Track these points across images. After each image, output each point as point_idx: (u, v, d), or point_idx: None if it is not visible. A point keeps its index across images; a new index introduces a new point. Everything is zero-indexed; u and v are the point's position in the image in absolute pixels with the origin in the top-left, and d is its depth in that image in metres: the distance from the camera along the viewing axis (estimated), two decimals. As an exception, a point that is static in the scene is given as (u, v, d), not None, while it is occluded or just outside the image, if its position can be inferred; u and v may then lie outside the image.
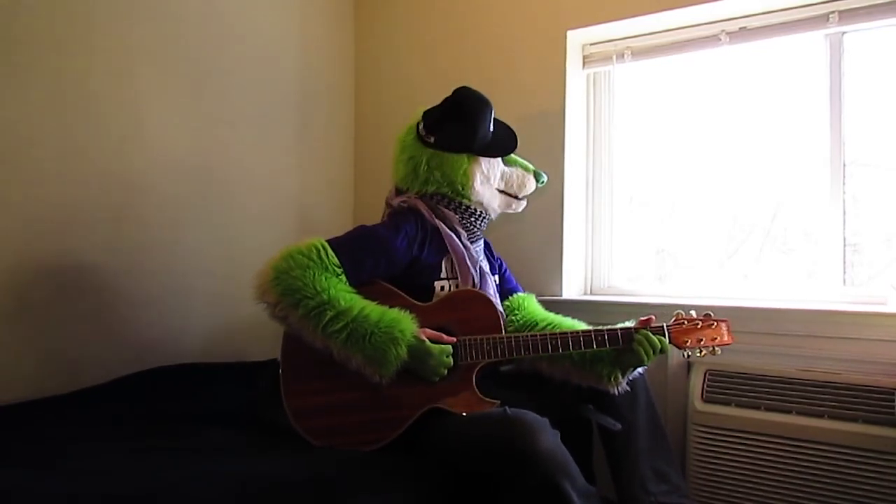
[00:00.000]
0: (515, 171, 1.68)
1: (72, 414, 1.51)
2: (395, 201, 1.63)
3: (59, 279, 1.65)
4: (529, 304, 1.68)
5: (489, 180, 1.62)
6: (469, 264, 1.54)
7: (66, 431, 1.41)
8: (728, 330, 1.47)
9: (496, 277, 1.69)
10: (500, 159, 1.65)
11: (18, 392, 1.53)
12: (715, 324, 1.46)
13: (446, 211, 1.59)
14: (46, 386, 1.57)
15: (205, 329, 1.99)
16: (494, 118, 1.63)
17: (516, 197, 1.69)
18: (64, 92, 1.65)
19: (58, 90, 1.64)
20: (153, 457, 1.26)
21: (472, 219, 1.62)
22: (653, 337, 1.41)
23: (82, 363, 1.67)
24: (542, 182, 1.72)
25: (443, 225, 1.56)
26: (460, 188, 1.58)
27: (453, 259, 1.54)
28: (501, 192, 1.67)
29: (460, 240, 1.57)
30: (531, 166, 1.71)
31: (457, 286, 1.53)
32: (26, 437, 1.35)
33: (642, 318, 1.47)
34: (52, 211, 1.63)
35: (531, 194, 1.73)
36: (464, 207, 1.61)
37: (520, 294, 1.71)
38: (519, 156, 1.70)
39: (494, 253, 1.78)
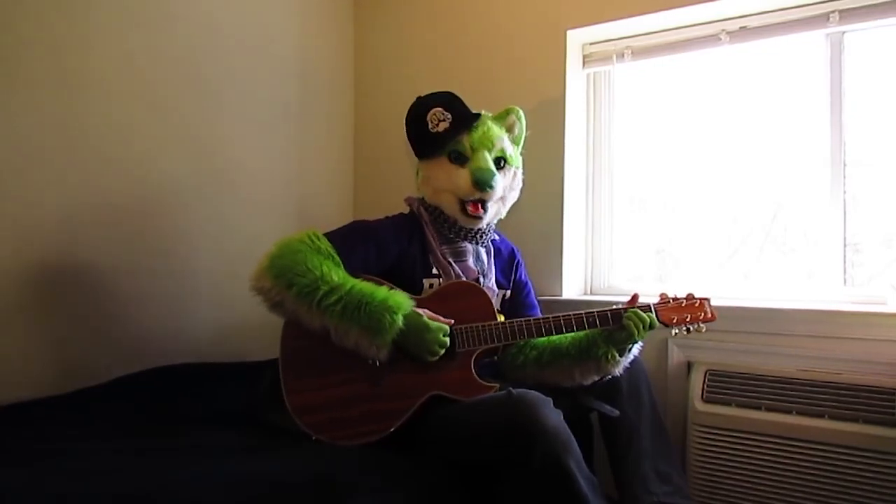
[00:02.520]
0: (458, 172, 1.55)
1: (72, 414, 1.51)
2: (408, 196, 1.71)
3: (59, 279, 1.64)
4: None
5: (429, 182, 1.61)
6: (442, 262, 1.56)
7: (66, 431, 1.40)
8: (710, 307, 1.50)
9: (502, 293, 1.67)
10: (445, 159, 1.57)
11: (18, 392, 1.53)
12: (698, 302, 1.50)
13: (423, 209, 1.63)
14: (46, 386, 1.57)
15: (205, 329, 1.99)
16: (461, 117, 1.56)
17: (465, 210, 1.55)
18: (63, 93, 1.65)
19: (57, 91, 1.64)
20: (153, 457, 1.26)
21: (439, 220, 1.61)
22: (641, 313, 1.44)
23: (82, 363, 1.67)
24: (483, 187, 1.51)
25: (423, 220, 1.61)
26: (420, 191, 1.66)
27: (432, 257, 1.57)
28: (456, 197, 1.56)
29: (433, 239, 1.59)
30: (481, 167, 1.53)
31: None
32: (26, 437, 1.35)
33: (629, 298, 1.50)
34: (52, 211, 1.63)
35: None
36: (432, 208, 1.62)
37: None
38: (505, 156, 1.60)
39: (519, 273, 1.72)
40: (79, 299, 1.68)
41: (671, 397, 1.88)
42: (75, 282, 1.68)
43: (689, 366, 1.87)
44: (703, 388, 1.78)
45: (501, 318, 1.57)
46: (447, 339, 1.41)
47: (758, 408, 1.71)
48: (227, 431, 1.48)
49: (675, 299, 1.50)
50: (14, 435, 1.35)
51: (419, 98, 1.63)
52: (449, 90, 1.62)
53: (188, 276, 1.94)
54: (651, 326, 1.44)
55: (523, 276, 1.74)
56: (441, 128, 1.56)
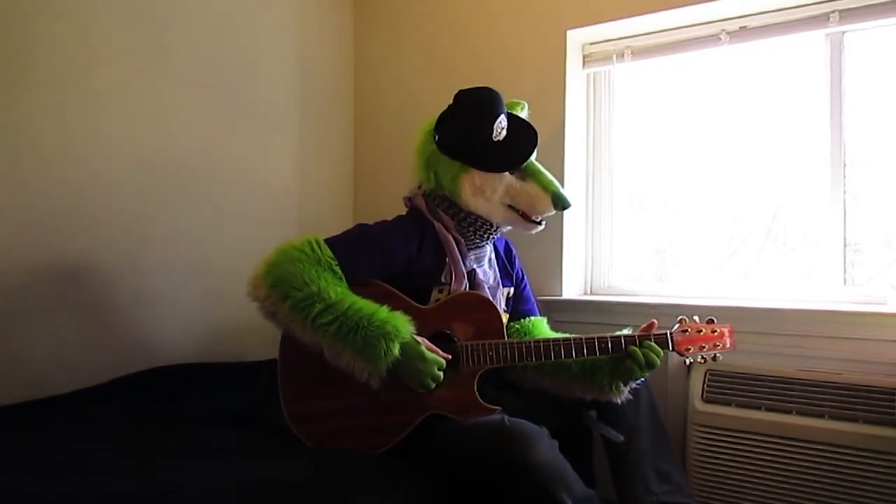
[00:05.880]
0: (527, 189, 1.49)
1: (72, 414, 1.51)
2: (407, 195, 1.61)
3: (59, 279, 1.64)
4: (540, 329, 1.61)
5: (484, 193, 1.48)
6: (462, 270, 1.49)
7: (67, 431, 1.41)
8: (731, 336, 1.46)
9: (507, 290, 1.62)
10: (506, 171, 1.49)
11: (18, 392, 1.52)
12: (718, 330, 1.45)
13: (442, 214, 1.52)
14: (46, 386, 1.57)
15: (204, 329, 1.99)
16: (514, 124, 1.50)
17: (529, 218, 1.52)
18: (62, 94, 1.65)
19: (56, 92, 1.64)
20: (153, 457, 1.26)
21: (470, 227, 1.52)
22: (641, 353, 1.38)
23: (82, 363, 1.67)
24: (564, 207, 1.51)
25: (440, 225, 1.51)
26: (450, 195, 1.51)
27: (449, 262, 1.48)
28: (510, 207, 1.51)
29: (458, 245, 1.50)
30: (555, 186, 1.50)
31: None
32: (27, 437, 1.35)
33: (644, 325, 1.44)
34: (52, 211, 1.63)
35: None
36: (463, 215, 1.51)
37: (532, 318, 1.64)
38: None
39: (515, 266, 1.70)
40: (79, 299, 1.68)
41: (671, 397, 1.88)
42: (74, 282, 1.68)
43: (689, 366, 1.87)
44: (703, 388, 1.78)
45: (505, 318, 1.56)
46: (441, 374, 1.36)
47: (758, 408, 1.70)
48: (226, 431, 1.49)
49: (694, 327, 1.44)
50: (14, 435, 1.35)
51: (470, 94, 1.50)
52: (488, 86, 1.52)
53: (187, 276, 1.93)
54: (653, 366, 1.39)
55: (519, 269, 1.72)
56: (502, 136, 1.47)
